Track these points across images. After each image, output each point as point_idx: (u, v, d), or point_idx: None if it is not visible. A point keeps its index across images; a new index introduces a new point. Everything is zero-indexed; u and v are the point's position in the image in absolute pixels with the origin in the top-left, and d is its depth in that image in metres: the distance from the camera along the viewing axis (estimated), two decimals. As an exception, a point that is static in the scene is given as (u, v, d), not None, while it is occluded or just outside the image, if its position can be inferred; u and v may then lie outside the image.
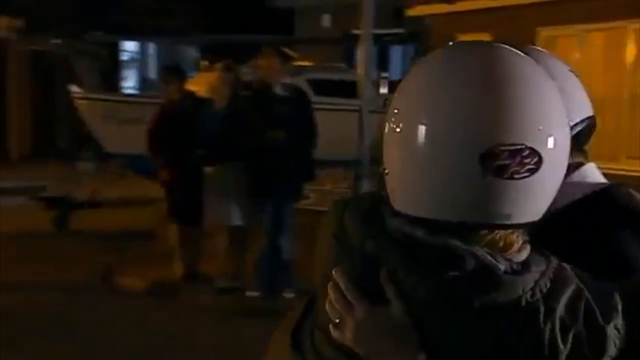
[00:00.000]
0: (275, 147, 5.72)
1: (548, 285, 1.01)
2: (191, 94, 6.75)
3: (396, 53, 15.85)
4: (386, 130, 1.03)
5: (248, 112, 5.88)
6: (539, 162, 0.98)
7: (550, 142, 0.99)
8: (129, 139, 9.05)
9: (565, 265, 1.05)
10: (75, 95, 9.96)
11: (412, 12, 12.17)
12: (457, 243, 1.00)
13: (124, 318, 5.80)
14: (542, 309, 0.99)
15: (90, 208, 9.12)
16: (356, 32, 7.85)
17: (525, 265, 1.02)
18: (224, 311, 5.78)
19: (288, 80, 6.79)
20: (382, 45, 12.81)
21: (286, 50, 9.64)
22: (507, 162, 0.97)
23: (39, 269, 7.23)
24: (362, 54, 6.61)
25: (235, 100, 6.05)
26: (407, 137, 1.00)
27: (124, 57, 15.58)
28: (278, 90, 5.96)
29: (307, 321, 1.11)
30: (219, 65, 6.55)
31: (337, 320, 1.04)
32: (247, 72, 6.94)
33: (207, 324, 5.59)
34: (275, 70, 6.02)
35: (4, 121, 14.06)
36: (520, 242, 1.04)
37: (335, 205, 1.12)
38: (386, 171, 1.05)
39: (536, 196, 1.01)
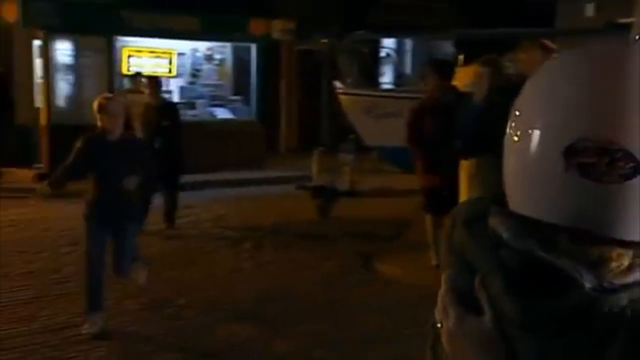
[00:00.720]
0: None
1: None
2: (452, 88, 6.83)
3: (670, 41, 14.51)
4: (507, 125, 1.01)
5: (507, 105, 5.83)
6: (636, 168, 0.87)
7: None
8: (387, 132, 9.40)
9: None
10: (338, 91, 10.55)
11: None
12: (537, 248, 0.93)
13: (380, 303, 6.08)
14: (624, 332, 0.90)
15: (350, 197, 9.64)
16: (622, 20, 7.38)
17: (626, 285, 0.92)
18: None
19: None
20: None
21: (547, 42, 9.34)
22: (592, 160, 0.89)
23: (301, 253, 7.75)
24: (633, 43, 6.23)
25: (494, 94, 6.04)
26: (511, 129, 0.99)
27: (382, 53, 16.12)
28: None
29: None
30: (479, 60, 6.57)
31: (439, 324, 1.04)
32: (507, 66, 6.88)
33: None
34: (536, 63, 5.88)
35: (277, 116, 15.32)
36: (626, 263, 0.92)
37: (455, 209, 1.11)
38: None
39: (637, 209, 0.89)
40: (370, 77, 11.52)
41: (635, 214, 0.89)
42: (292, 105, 15.67)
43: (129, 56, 12.44)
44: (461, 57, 11.07)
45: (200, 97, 13.30)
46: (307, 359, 4.98)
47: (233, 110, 13.62)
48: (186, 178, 10.96)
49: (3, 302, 5.95)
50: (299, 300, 6.21)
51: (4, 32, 11.93)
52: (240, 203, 10.44)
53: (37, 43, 11.93)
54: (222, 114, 13.50)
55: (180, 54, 13.05)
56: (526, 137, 0.95)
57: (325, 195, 9.60)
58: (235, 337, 5.33)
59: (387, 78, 16.05)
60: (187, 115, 13.06)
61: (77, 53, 12.04)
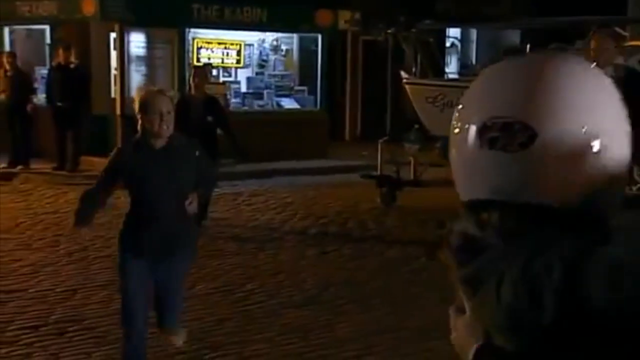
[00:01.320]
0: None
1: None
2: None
3: None
4: None
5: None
6: (532, 136, 1.01)
7: (555, 120, 1.01)
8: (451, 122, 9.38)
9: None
10: (404, 80, 10.58)
11: None
12: (469, 226, 1.05)
13: (441, 292, 6.11)
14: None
15: (414, 187, 9.68)
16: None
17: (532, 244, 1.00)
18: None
19: (621, 61, 6.50)
20: None
21: (618, 30, 9.13)
22: (498, 134, 1.03)
23: (364, 241, 7.87)
24: None
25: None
26: (454, 121, 1.12)
27: (448, 43, 16.02)
28: (609, 72, 5.77)
29: None
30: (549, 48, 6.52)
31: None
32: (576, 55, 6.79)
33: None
34: (607, 52, 5.82)
35: (342, 106, 15.44)
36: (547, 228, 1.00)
37: None
38: None
39: (538, 173, 1.01)
40: (436, 66, 11.47)
41: (538, 178, 1.02)
42: (357, 95, 15.75)
43: (199, 47, 12.74)
44: (527, 46, 10.92)
45: (267, 87, 13.53)
46: (367, 345, 5.08)
47: (299, 100, 13.79)
48: (253, 167, 11.21)
49: (81, 285, 6.27)
50: (361, 287, 6.32)
51: (81, 26, 12.40)
52: (305, 191, 10.60)
53: (112, 36, 12.37)
54: (288, 103, 13.70)
55: (247, 45, 13.29)
56: (463, 129, 1.09)
57: (390, 184, 9.66)
58: (300, 321, 5.49)
59: (451, 67, 15.94)
60: (254, 105, 13.35)
61: (150, 45, 12.42)
